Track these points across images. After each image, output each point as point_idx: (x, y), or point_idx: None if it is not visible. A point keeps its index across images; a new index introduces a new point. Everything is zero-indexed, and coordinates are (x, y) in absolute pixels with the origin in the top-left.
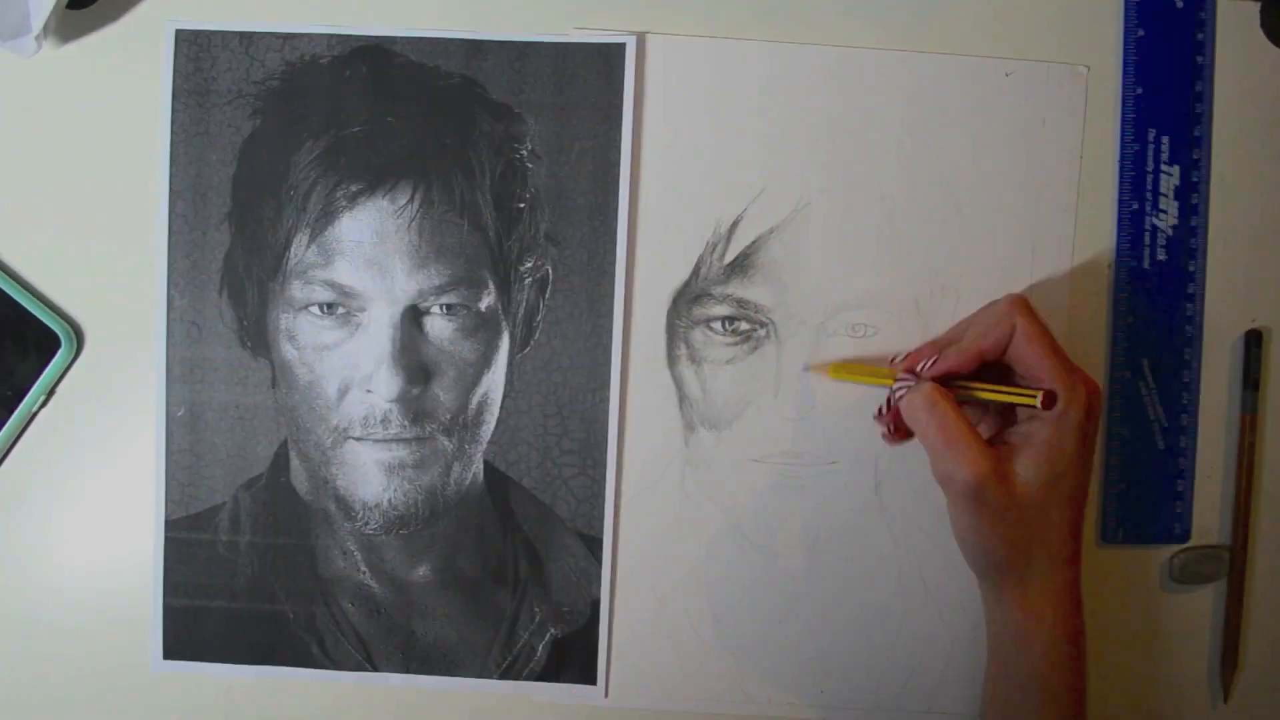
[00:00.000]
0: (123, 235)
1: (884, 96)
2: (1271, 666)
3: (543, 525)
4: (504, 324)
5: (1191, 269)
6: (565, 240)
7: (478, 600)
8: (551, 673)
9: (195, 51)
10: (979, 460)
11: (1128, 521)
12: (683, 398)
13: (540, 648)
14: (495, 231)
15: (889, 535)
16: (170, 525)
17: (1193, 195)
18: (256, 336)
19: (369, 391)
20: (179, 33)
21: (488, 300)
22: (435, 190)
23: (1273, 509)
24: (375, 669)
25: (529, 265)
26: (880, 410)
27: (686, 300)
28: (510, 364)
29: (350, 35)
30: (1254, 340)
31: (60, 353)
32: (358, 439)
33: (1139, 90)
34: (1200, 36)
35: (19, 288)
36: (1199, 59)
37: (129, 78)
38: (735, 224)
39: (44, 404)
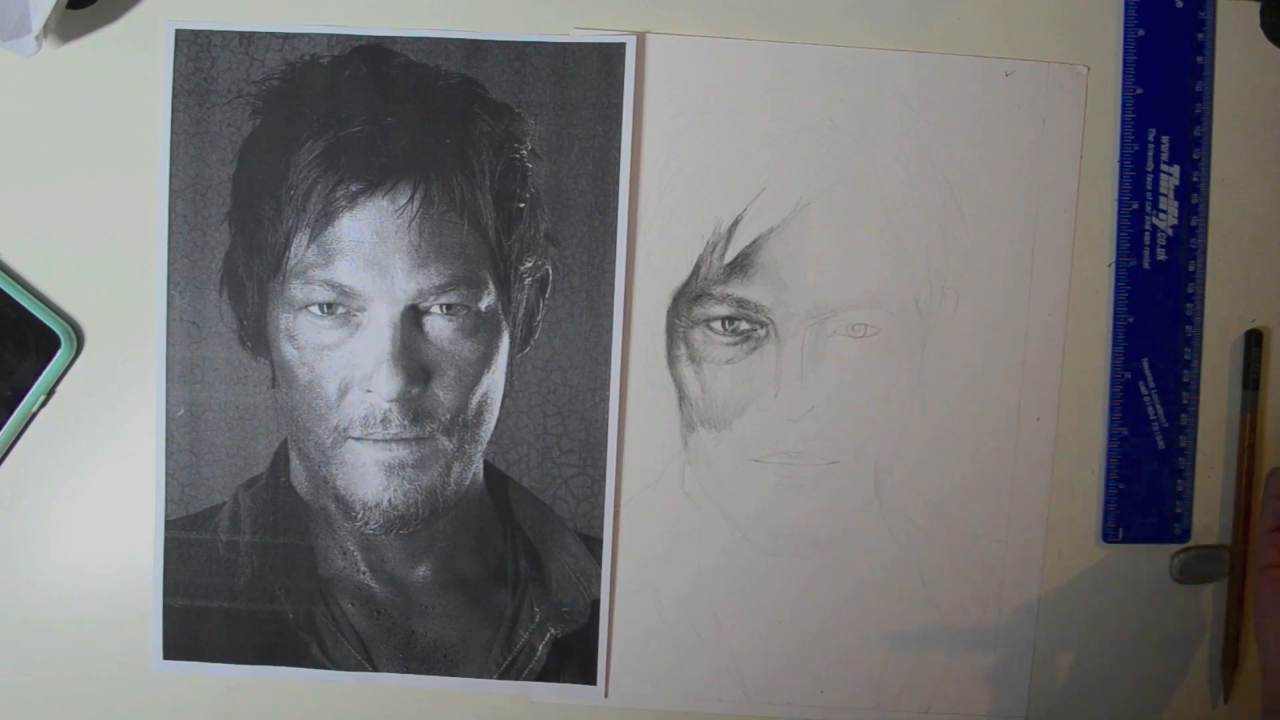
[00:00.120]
0: (123, 235)
1: (884, 96)
2: None
3: (543, 525)
4: (504, 324)
5: (1191, 269)
6: (565, 240)
7: (478, 600)
8: (551, 673)
9: (195, 51)
10: None
11: (1128, 521)
12: (682, 397)
13: (540, 648)
14: (495, 231)
15: (889, 535)
16: (170, 525)
17: (1193, 195)
18: (256, 336)
19: (369, 391)
20: (179, 32)
21: (488, 300)
22: (435, 190)
23: None
24: (375, 669)
25: (529, 265)
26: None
27: (686, 300)
28: (510, 364)
29: (350, 35)
30: (1254, 340)
31: (60, 353)
32: (358, 439)
33: (1139, 90)
34: (1200, 36)
35: (19, 288)
36: (1199, 59)
37: (129, 78)
38: (735, 224)
39: (44, 404)
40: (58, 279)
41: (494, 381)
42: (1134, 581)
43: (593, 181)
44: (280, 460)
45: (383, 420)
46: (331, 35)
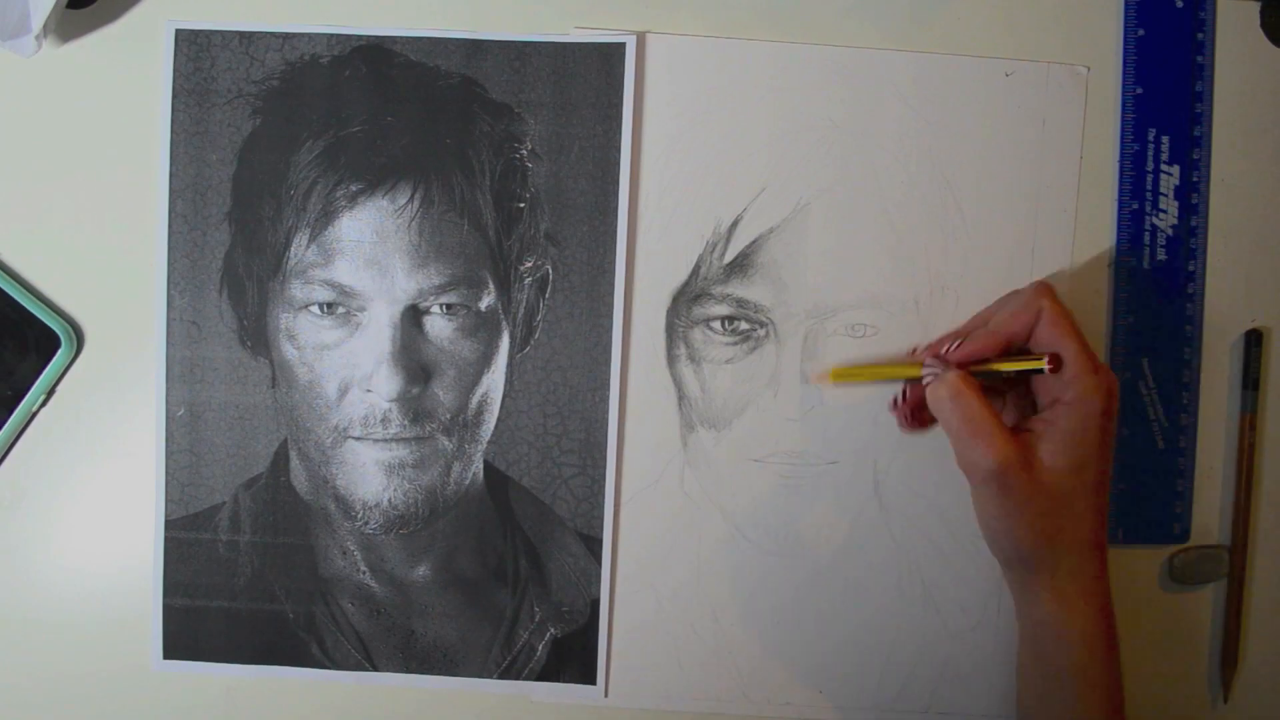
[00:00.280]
0: (122, 235)
1: (884, 96)
2: (1271, 666)
3: (543, 525)
4: (504, 323)
5: (1191, 269)
6: (565, 240)
7: (478, 600)
8: (551, 672)
9: (195, 51)
10: (1004, 447)
11: (1128, 521)
12: (682, 397)
13: (540, 647)
14: (495, 231)
15: (889, 535)
16: (170, 525)
17: (1193, 195)
18: (256, 336)
19: (369, 391)
20: (179, 32)
21: (488, 300)
22: (435, 190)
23: (1272, 509)
24: (375, 669)
25: (529, 265)
26: (895, 400)
27: (686, 300)
28: (510, 364)
29: (350, 35)
30: (1254, 340)
31: (60, 353)
32: (357, 438)
33: (1139, 90)
34: (1200, 36)
35: (19, 287)
36: (1199, 59)
37: (129, 77)
38: (735, 224)
39: (44, 404)
40: (58, 279)
41: (494, 381)
42: (1134, 582)
43: (593, 181)
44: (280, 460)
45: (383, 420)
46: (331, 35)
